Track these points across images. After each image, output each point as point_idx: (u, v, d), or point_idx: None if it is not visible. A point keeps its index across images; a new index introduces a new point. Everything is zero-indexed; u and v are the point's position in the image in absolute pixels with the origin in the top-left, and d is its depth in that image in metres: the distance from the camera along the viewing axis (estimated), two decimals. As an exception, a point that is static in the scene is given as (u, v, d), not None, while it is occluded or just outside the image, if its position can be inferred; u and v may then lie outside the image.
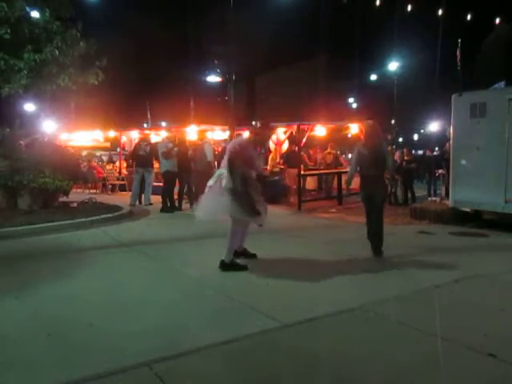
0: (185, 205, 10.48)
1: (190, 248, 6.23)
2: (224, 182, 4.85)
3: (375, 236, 5.68)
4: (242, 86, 33.84)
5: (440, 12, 26.32)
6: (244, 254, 5.39)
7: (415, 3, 25.31)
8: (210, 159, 9.86)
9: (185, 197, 10.82)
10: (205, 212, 5.00)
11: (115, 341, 3.09)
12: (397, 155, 12.22)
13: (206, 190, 5.03)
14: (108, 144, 19.76)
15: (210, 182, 5.03)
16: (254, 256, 5.41)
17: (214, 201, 4.90)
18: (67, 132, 17.68)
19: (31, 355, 2.87)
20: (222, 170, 4.99)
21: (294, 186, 11.18)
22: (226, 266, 4.88)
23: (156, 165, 11.74)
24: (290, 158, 11.86)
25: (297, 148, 11.58)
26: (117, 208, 9.69)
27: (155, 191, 11.25)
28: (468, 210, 7.97)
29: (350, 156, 28.40)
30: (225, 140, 13.50)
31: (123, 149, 16.99)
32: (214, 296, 4.09)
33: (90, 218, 8.19)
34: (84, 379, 2.54)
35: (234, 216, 4.89)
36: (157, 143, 11.76)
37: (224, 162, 5.02)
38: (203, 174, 9.71)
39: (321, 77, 40.82)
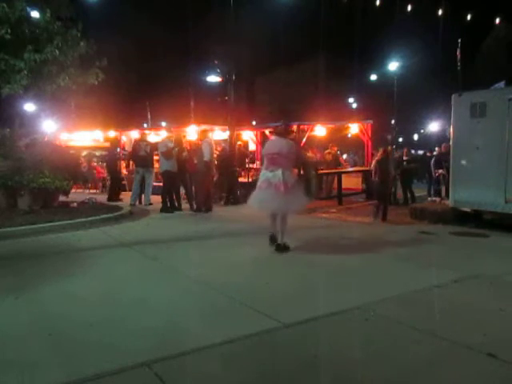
0: (185, 205, 10.48)
1: (190, 248, 6.23)
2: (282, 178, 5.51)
3: (384, 210, 8.70)
4: (241, 86, 33.82)
5: (440, 12, 26.35)
6: (274, 238, 5.95)
7: (415, 3, 25.31)
8: (208, 159, 9.65)
9: (184, 197, 10.82)
10: (259, 204, 5.77)
11: (115, 341, 3.09)
12: (397, 154, 12.25)
13: (263, 186, 5.68)
14: (108, 144, 19.74)
15: (265, 182, 5.66)
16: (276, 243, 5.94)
17: (274, 198, 5.54)
18: (67, 132, 17.66)
19: (31, 355, 2.87)
20: (276, 172, 5.57)
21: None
22: (282, 249, 5.62)
23: (156, 165, 11.72)
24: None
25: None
26: (117, 208, 9.69)
27: (155, 191, 11.25)
28: (468, 210, 7.97)
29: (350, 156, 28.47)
30: (225, 140, 13.45)
31: (123, 149, 16.97)
32: (214, 296, 4.09)
33: (90, 218, 8.20)
34: (84, 379, 2.54)
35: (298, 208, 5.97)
36: (157, 143, 11.74)
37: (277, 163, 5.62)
38: (202, 173, 9.69)
39: (321, 77, 40.82)
